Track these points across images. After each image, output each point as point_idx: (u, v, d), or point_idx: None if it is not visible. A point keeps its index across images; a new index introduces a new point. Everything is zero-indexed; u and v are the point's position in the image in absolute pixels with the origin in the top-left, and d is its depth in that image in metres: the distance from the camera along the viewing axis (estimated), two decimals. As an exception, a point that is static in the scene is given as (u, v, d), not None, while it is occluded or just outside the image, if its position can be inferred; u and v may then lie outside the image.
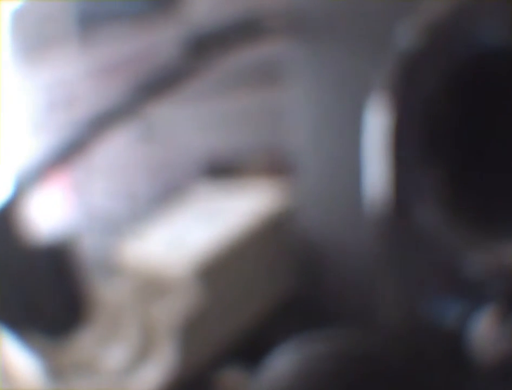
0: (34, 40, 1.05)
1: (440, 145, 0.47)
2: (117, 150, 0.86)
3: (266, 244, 0.59)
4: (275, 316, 0.59)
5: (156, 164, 0.80)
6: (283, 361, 0.42)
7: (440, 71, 0.47)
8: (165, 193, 0.77)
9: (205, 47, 0.66)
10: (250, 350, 0.60)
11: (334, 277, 0.57)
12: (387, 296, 0.53)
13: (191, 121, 0.76)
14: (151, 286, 0.59)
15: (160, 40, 0.80)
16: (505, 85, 0.47)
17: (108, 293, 0.62)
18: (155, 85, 0.64)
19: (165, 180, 0.78)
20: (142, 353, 0.58)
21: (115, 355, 0.58)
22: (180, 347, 0.55)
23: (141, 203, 0.81)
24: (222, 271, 0.57)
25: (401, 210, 0.50)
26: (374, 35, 0.57)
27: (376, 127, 0.51)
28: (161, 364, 0.56)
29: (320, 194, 0.57)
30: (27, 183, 0.62)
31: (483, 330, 0.42)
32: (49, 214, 1.02)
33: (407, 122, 0.50)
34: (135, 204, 0.83)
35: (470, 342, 0.44)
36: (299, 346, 0.43)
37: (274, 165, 0.65)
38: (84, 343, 0.61)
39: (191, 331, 0.55)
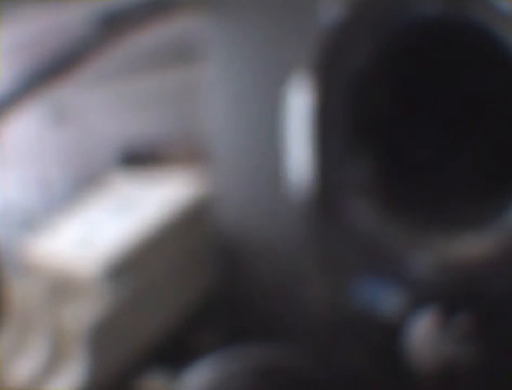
0: None
1: (370, 132, 0.43)
2: (28, 136, 0.80)
3: (183, 238, 0.55)
4: (196, 316, 0.55)
5: (69, 151, 0.74)
6: (199, 379, 0.38)
7: (368, 47, 0.43)
8: (80, 181, 0.72)
9: (115, 23, 0.62)
10: (172, 352, 0.55)
11: (256, 272, 0.53)
12: (314, 288, 0.49)
13: (104, 104, 0.70)
14: (62, 287, 0.54)
15: (73, 18, 0.75)
16: (440, 62, 0.43)
17: (18, 295, 0.57)
18: (61, 63, 0.59)
19: (80, 168, 0.73)
20: (53, 363, 0.53)
21: (24, 366, 0.53)
22: (91, 354, 0.50)
23: (55, 194, 0.76)
24: (135, 269, 0.52)
25: (327, 202, 0.46)
26: (296, 10, 0.53)
27: (298, 109, 0.47)
28: (72, 374, 0.51)
29: (238, 182, 0.52)
30: None
31: (421, 333, 0.38)
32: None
33: (332, 105, 0.46)
34: (48, 194, 0.77)
35: (407, 344, 0.40)
36: (215, 363, 0.39)
37: (193, 152, 0.61)
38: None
39: (102, 336, 0.51)
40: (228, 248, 0.53)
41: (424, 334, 0.38)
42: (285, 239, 0.51)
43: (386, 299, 0.43)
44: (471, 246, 0.37)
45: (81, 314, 0.51)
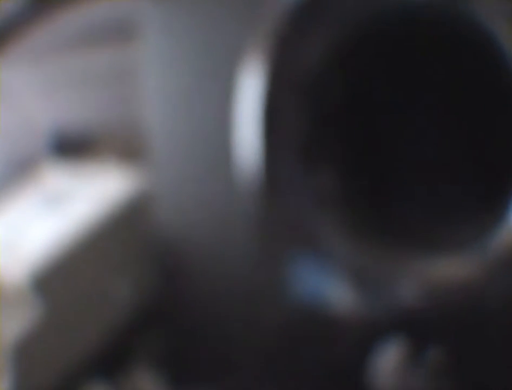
0: None
1: (326, 133, 0.38)
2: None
3: (119, 239, 0.49)
4: (133, 324, 0.50)
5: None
6: None
7: (328, 34, 0.38)
8: (8, 169, 0.65)
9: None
10: (110, 363, 0.50)
11: (200, 278, 0.47)
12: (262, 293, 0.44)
13: (34, 84, 0.64)
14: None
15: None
16: (403, 53, 0.38)
17: None
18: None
19: (7, 154, 0.67)
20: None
21: None
22: (16, 372, 0.45)
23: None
24: (66, 275, 0.47)
25: (273, 197, 0.42)
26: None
27: (247, 98, 0.41)
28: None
29: (180, 178, 0.47)
30: None
31: (389, 364, 0.34)
32: None
33: (284, 95, 0.41)
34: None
35: (373, 372, 0.36)
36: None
37: (130, 142, 0.55)
38: None
39: (29, 352, 0.45)
40: (169, 251, 0.48)
41: (392, 366, 0.34)
42: (232, 241, 0.46)
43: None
44: (452, 268, 0.33)
45: (5, 328, 0.46)
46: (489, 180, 0.34)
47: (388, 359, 0.33)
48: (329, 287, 0.42)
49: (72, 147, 0.61)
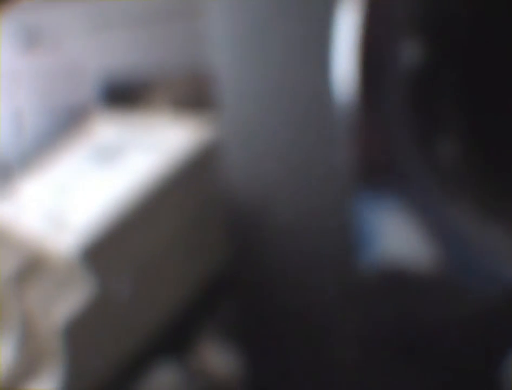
0: None
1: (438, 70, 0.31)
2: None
3: (182, 200, 0.43)
4: (201, 295, 0.44)
5: (43, 81, 0.62)
6: None
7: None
8: (57, 117, 0.59)
9: None
10: (175, 344, 0.44)
11: (273, 239, 0.41)
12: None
13: (83, 24, 0.58)
14: (30, 268, 0.43)
15: None
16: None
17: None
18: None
19: (56, 101, 0.60)
20: (23, 365, 0.42)
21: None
22: (70, 355, 0.39)
23: (28, 131, 0.64)
24: (122, 244, 0.41)
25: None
26: None
27: (343, 34, 0.34)
28: (46, 380, 0.40)
29: (251, 131, 0.40)
30: None
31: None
32: None
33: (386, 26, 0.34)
34: (20, 132, 0.65)
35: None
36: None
37: (191, 89, 0.49)
38: None
39: (83, 332, 0.40)
40: (239, 211, 0.42)
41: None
42: (312, 195, 0.40)
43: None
44: None
45: (55, 308, 0.40)
46: None
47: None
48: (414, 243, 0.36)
49: (125, 94, 0.54)
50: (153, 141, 0.46)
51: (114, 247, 0.40)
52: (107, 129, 0.50)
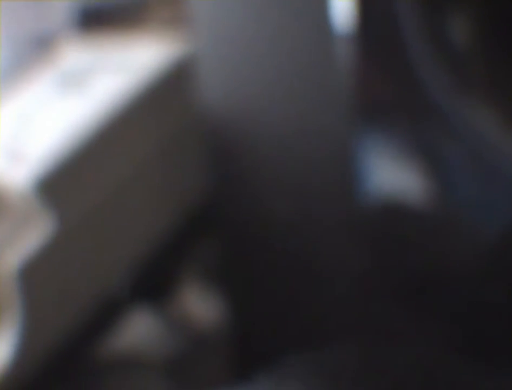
0: None
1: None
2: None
3: (152, 127, 0.38)
4: (178, 234, 0.39)
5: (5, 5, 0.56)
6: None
7: None
8: (19, 51, 0.54)
9: None
10: (149, 287, 0.40)
11: (257, 167, 0.36)
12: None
13: None
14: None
15: None
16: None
17: None
18: None
19: (20, 32, 0.55)
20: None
21: None
22: (28, 303, 0.35)
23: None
24: (87, 175, 0.36)
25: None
26: None
27: None
28: (5, 331, 0.35)
29: (228, 49, 0.35)
30: None
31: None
32: None
33: None
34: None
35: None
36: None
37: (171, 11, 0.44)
38: None
39: (41, 277, 0.35)
40: (219, 137, 0.37)
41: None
42: (299, 118, 0.35)
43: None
44: None
45: (9, 248, 0.35)
46: None
47: None
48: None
49: (99, 18, 0.49)
50: (124, 63, 0.41)
51: (74, 179, 0.35)
52: (76, 55, 0.45)
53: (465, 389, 0.22)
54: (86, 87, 0.40)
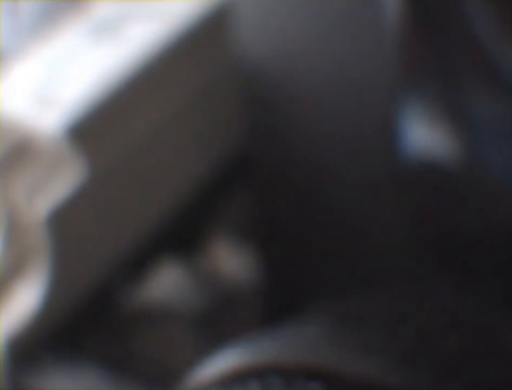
0: None
1: None
2: None
3: (187, 74, 0.37)
4: (211, 187, 0.38)
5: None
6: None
7: None
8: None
9: None
10: (180, 241, 0.39)
11: (296, 119, 0.35)
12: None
13: None
14: (14, 155, 0.37)
15: None
16: None
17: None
18: None
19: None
20: (10, 265, 0.36)
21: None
22: (58, 251, 0.34)
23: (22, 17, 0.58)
24: (117, 123, 0.35)
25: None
26: None
27: None
28: (35, 280, 0.35)
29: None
30: None
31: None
32: None
33: None
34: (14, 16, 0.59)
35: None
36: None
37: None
38: None
39: (70, 225, 0.34)
40: (258, 88, 0.36)
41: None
42: (342, 71, 0.34)
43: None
44: None
45: (42, 195, 0.35)
46: None
47: None
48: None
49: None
50: (158, 11, 0.40)
51: (106, 126, 0.35)
52: (109, 3, 0.44)
53: (493, 338, 0.22)
54: (119, 35, 0.40)
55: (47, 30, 0.48)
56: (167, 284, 0.39)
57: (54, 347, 0.35)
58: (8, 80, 0.41)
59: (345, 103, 0.34)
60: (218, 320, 0.38)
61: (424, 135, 0.34)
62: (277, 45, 0.34)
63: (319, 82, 0.34)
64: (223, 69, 0.37)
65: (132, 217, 0.36)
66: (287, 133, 0.35)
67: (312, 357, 0.20)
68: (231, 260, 0.40)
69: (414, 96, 0.33)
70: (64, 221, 0.34)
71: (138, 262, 0.36)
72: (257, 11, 0.34)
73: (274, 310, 0.38)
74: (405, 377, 0.19)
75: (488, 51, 0.32)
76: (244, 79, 0.35)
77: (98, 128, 0.35)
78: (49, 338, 0.35)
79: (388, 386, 0.19)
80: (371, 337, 0.21)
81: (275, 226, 0.37)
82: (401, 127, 0.34)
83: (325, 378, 0.19)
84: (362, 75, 0.34)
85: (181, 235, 0.38)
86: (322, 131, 0.35)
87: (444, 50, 0.33)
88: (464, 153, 0.33)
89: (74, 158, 0.34)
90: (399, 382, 0.19)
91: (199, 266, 0.39)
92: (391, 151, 0.34)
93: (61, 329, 0.35)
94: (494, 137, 0.33)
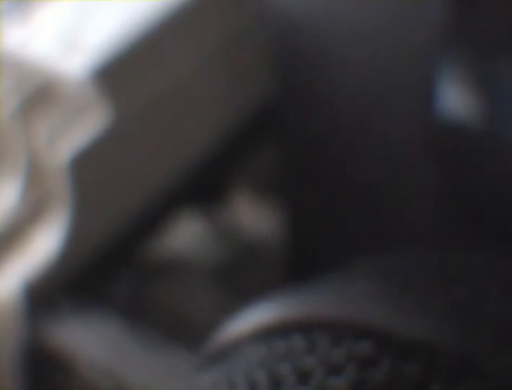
0: None
1: None
2: None
3: (217, 21, 0.36)
4: (235, 138, 0.37)
5: None
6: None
7: None
8: None
9: None
10: (201, 192, 0.38)
11: (331, 75, 0.34)
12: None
13: None
14: (37, 97, 0.37)
15: None
16: None
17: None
18: None
19: None
20: (30, 209, 0.36)
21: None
22: (79, 196, 0.33)
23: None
24: (142, 67, 0.34)
25: None
26: None
27: None
28: (55, 224, 0.34)
29: None
30: None
31: None
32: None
33: None
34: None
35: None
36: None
37: None
38: None
39: (92, 170, 0.34)
40: (288, 37, 0.35)
41: None
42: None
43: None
44: None
45: (65, 139, 0.34)
46: None
47: None
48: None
49: None
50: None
51: (133, 70, 0.34)
52: None
53: None
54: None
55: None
56: (188, 236, 0.39)
57: (72, 294, 0.34)
58: (34, 22, 0.40)
59: (380, 59, 0.33)
60: (238, 274, 0.38)
61: (456, 97, 0.33)
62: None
63: (353, 37, 0.33)
64: (255, 18, 0.36)
65: (155, 165, 0.35)
66: (318, 87, 0.34)
67: (362, 315, 0.19)
68: (253, 214, 0.39)
69: (450, 57, 0.32)
70: (86, 166, 0.33)
71: (160, 213, 0.36)
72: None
73: (294, 267, 0.37)
74: (462, 341, 0.18)
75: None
76: (276, 29, 0.34)
77: (123, 72, 0.34)
78: (67, 285, 0.34)
79: (443, 350, 0.18)
80: (422, 298, 0.19)
81: (301, 181, 0.36)
82: (437, 87, 0.33)
83: (375, 339, 0.18)
84: (399, 33, 0.33)
85: (203, 187, 0.38)
86: (355, 87, 0.34)
87: (481, 15, 0.32)
88: (490, 116, 0.33)
89: (98, 103, 0.33)
90: (456, 346, 0.17)
91: (221, 219, 0.39)
92: (425, 111, 0.33)
93: (80, 276, 0.34)
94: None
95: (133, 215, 0.35)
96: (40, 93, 0.36)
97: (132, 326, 0.32)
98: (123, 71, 0.34)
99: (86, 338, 0.32)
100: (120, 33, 0.34)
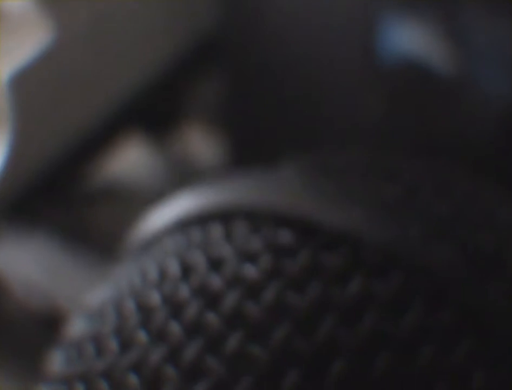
0: None
1: None
2: None
3: None
4: (182, 65, 0.37)
5: None
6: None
7: None
8: None
9: None
10: (148, 120, 0.38)
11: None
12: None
13: None
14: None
15: None
16: None
17: None
18: None
19: None
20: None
21: None
22: (19, 116, 0.33)
23: None
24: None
25: None
26: None
27: None
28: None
29: None
30: None
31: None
32: None
33: None
34: None
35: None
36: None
37: None
38: None
39: (33, 89, 0.33)
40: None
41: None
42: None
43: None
44: None
45: (5, 57, 0.33)
46: None
47: None
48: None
49: None
50: None
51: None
52: None
53: (488, 209, 0.20)
54: None
55: None
56: (136, 162, 0.38)
57: (11, 215, 0.34)
58: None
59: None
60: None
61: (410, 35, 0.32)
62: None
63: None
64: None
65: (99, 88, 0.35)
66: (263, 16, 0.34)
67: (284, 202, 0.17)
68: (201, 144, 0.39)
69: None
70: (27, 85, 0.33)
71: (103, 136, 0.35)
72: None
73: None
74: (388, 234, 0.17)
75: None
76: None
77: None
78: (7, 206, 0.34)
79: (369, 242, 0.16)
80: (353, 189, 0.18)
81: (245, 111, 0.36)
82: (384, 25, 0.32)
83: (296, 228, 0.17)
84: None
85: (150, 114, 0.37)
86: (300, 17, 0.33)
87: None
88: (445, 57, 0.32)
89: (40, 22, 0.33)
90: (382, 239, 0.16)
91: (168, 147, 0.38)
92: (371, 46, 0.33)
93: (20, 198, 0.34)
94: (484, 50, 0.32)
95: (77, 138, 0.35)
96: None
97: (68, 247, 0.32)
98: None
99: (21, 259, 0.32)
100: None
